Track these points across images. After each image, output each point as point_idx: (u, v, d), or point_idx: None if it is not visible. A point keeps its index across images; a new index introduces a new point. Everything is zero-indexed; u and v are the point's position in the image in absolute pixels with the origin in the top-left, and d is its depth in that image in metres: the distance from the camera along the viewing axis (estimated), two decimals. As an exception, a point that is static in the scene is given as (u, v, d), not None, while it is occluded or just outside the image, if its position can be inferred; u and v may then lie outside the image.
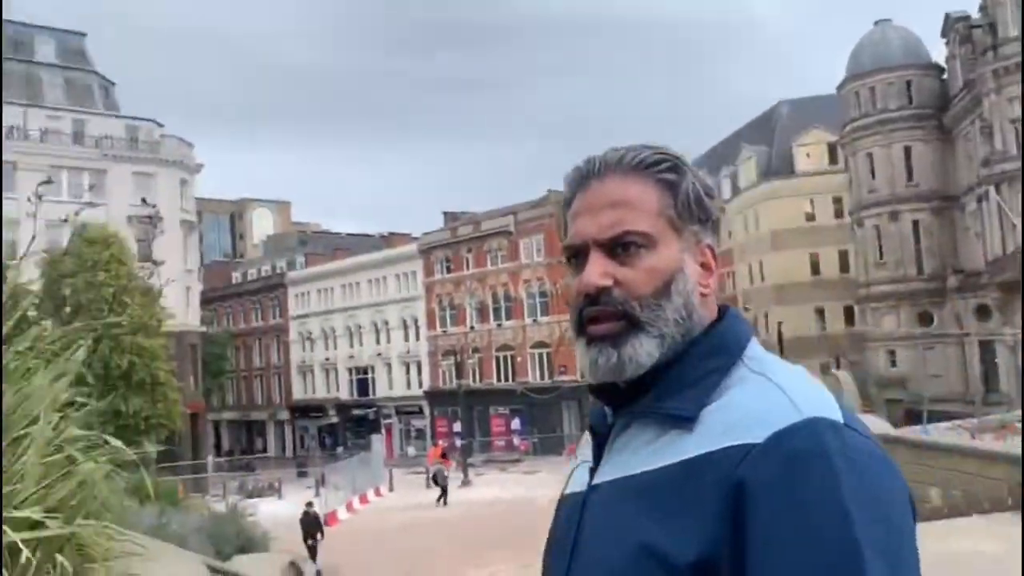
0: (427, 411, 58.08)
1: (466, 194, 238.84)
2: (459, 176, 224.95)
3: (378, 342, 61.38)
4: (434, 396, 57.00)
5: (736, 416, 0.96)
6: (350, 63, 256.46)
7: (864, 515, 0.88)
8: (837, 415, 0.95)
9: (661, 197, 1.06)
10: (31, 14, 53.70)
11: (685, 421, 0.98)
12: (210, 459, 46.54)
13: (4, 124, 39.98)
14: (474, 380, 53.55)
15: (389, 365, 60.96)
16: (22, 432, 2.81)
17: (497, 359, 54.80)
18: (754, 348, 1.05)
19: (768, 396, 0.97)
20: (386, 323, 61.06)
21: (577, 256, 1.08)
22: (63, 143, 45.76)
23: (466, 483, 35.74)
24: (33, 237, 5.71)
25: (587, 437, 1.14)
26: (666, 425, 1.00)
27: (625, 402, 1.06)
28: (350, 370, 63.53)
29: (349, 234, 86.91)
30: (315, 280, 65.78)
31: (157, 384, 23.85)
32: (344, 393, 63.65)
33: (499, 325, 54.44)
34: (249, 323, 71.11)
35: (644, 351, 1.02)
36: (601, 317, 1.04)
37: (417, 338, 59.25)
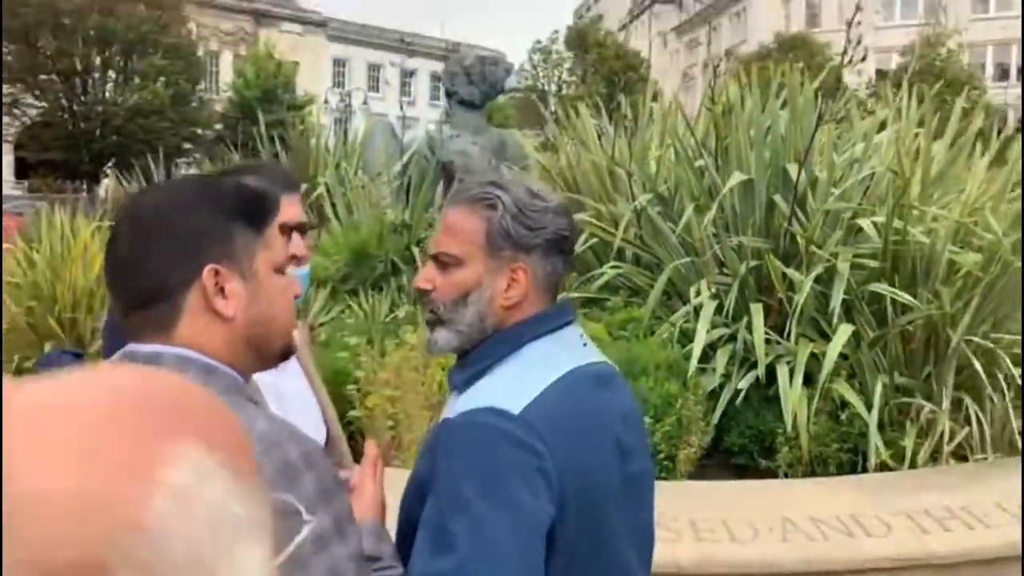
0: None
1: None
2: None
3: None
4: None
5: (473, 396, 1.28)
6: None
7: (465, 476, 1.18)
8: (509, 405, 1.22)
9: (478, 227, 1.34)
10: None
11: (455, 388, 1.36)
12: None
13: None
14: None
15: None
16: None
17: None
18: (537, 345, 1.32)
19: (488, 385, 1.29)
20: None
21: None
22: None
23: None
24: None
25: None
26: (455, 389, 1.37)
27: None
28: None
29: None
30: None
31: None
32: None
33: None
34: None
35: (443, 339, 1.37)
36: (427, 309, 1.40)
37: None
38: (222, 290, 1.10)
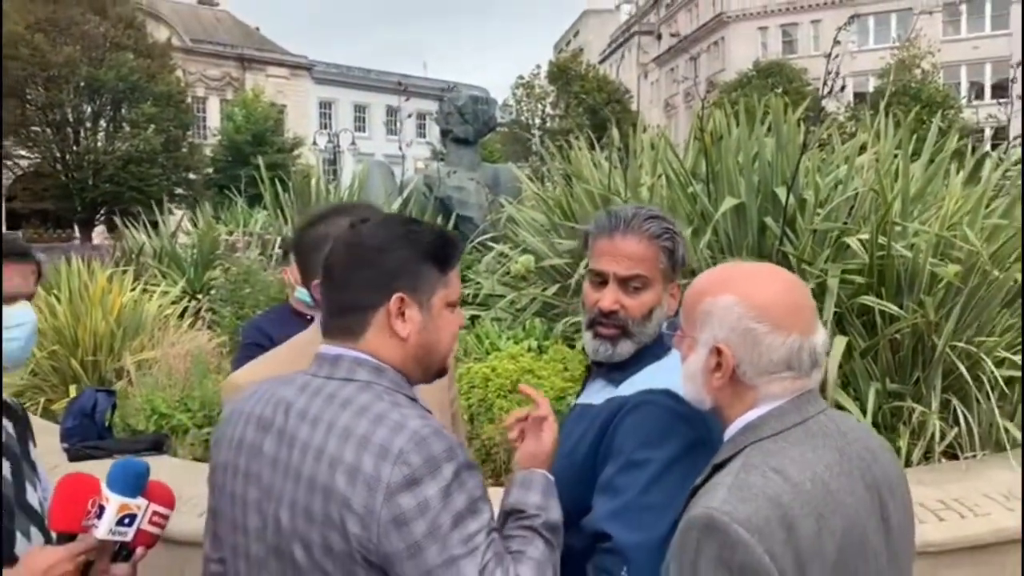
0: None
1: None
2: None
3: None
4: None
5: (636, 385, 1.66)
6: None
7: (649, 439, 1.55)
8: (673, 389, 1.54)
9: (660, 256, 1.69)
10: None
11: (613, 383, 1.70)
12: None
13: None
14: None
15: None
16: None
17: None
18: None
19: (657, 375, 1.65)
20: None
21: (598, 276, 1.72)
22: None
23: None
24: None
25: None
26: (610, 382, 1.71)
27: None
28: None
29: None
30: None
31: None
32: None
33: None
34: None
35: (626, 349, 1.69)
36: (608, 325, 1.70)
37: None
38: (403, 315, 1.39)
